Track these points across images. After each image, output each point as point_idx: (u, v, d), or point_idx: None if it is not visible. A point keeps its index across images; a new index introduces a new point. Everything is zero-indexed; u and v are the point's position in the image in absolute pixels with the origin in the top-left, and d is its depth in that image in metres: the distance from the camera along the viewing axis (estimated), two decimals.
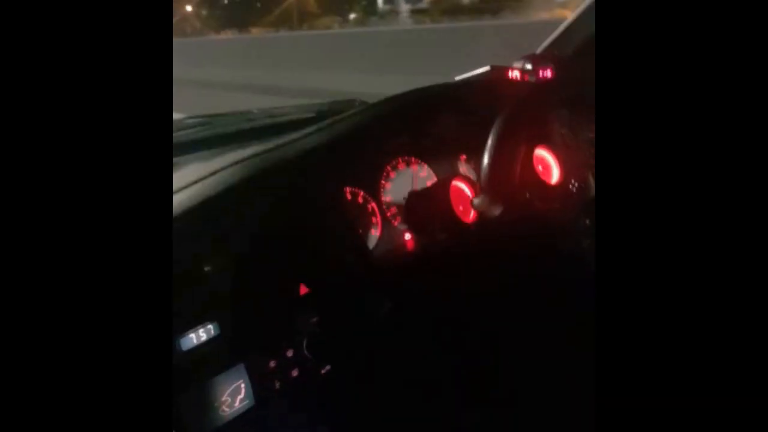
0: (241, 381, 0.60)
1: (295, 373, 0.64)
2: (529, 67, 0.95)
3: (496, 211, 0.58)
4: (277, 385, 0.63)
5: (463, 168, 0.87)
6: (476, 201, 0.60)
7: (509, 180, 0.67)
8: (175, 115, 0.95)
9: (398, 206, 0.79)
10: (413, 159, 0.83)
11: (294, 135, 0.78)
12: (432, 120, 0.85)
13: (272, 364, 0.62)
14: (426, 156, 0.84)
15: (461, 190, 0.82)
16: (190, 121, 0.97)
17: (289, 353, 0.64)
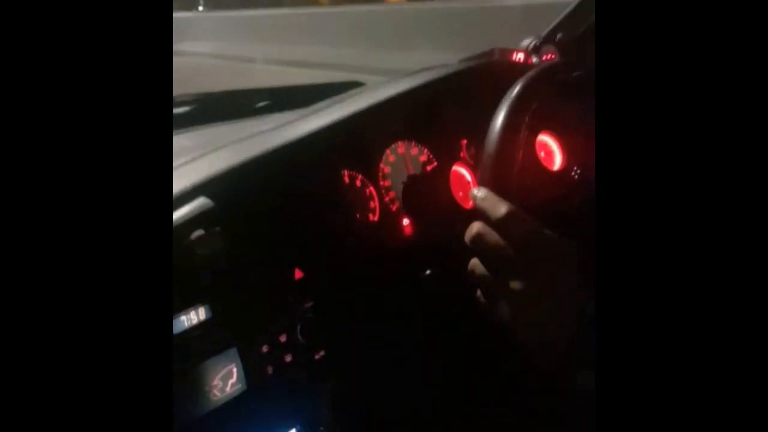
0: (233, 365, 0.59)
1: (288, 358, 0.63)
2: (533, 49, 0.93)
3: (502, 210, 0.57)
4: (270, 369, 0.62)
5: (464, 153, 0.86)
6: (479, 195, 0.59)
7: (510, 167, 0.66)
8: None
9: (397, 191, 0.78)
10: (413, 143, 0.81)
11: (292, 116, 0.77)
12: (433, 103, 0.83)
13: (265, 348, 0.61)
14: (426, 140, 0.82)
15: (462, 176, 0.81)
16: (186, 98, 0.95)
17: (283, 338, 0.63)
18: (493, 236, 0.51)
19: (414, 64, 0.86)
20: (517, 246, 0.50)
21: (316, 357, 0.66)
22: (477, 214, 0.55)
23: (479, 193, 0.55)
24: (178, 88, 0.97)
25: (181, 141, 0.75)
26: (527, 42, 0.93)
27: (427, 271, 0.67)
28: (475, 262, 0.54)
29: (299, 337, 0.64)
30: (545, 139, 0.85)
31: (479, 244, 0.52)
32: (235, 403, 0.59)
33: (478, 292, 0.55)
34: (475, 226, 0.53)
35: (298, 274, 0.65)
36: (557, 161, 0.85)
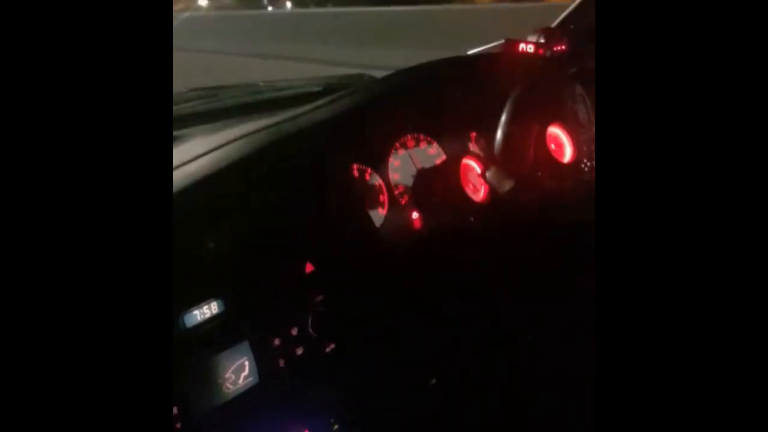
0: (245, 358, 0.59)
1: (299, 351, 0.64)
2: (543, 41, 0.92)
3: (507, 185, 0.57)
4: (282, 362, 0.62)
5: (474, 146, 0.85)
6: (488, 174, 0.59)
7: (522, 158, 0.66)
8: (178, 87, 0.94)
9: (406, 185, 0.78)
10: (422, 136, 0.81)
11: (300, 109, 0.77)
12: (442, 96, 0.83)
13: (277, 341, 0.62)
14: (435, 133, 0.82)
15: (471, 169, 0.80)
16: (194, 93, 0.95)
17: (294, 331, 0.63)
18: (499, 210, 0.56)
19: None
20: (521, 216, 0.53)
21: (327, 350, 0.66)
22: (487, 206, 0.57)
23: (488, 172, 0.62)
24: (185, 83, 0.97)
25: (190, 136, 0.75)
26: (537, 33, 0.92)
27: None
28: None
29: (310, 330, 0.64)
30: (556, 131, 0.84)
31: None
32: (247, 395, 0.60)
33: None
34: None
35: (309, 267, 0.65)
36: (567, 153, 0.85)
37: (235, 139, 0.70)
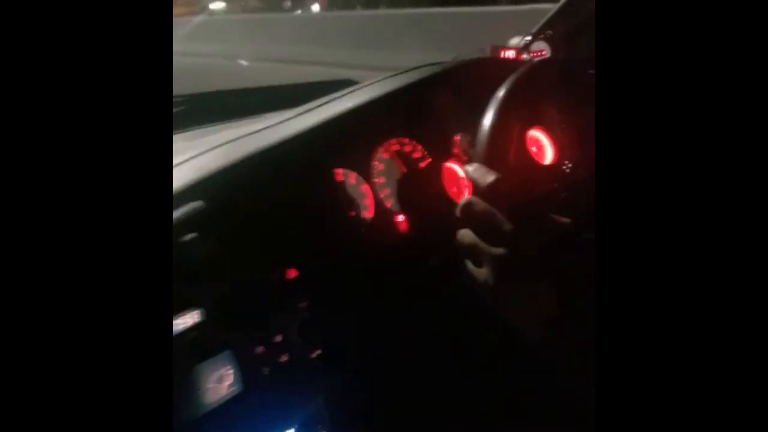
0: (229, 367, 0.58)
1: (284, 358, 0.63)
2: (523, 46, 0.93)
3: (491, 178, 0.57)
4: (266, 370, 0.61)
5: (457, 149, 0.86)
6: (471, 169, 0.60)
7: (503, 159, 0.66)
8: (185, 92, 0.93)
9: (391, 188, 0.78)
10: (406, 140, 0.81)
11: (284, 115, 0.77)
12: (425, 100, 0.83)
13: (261, 349, 0.61)
14: (419, 137, 0.82)
15: (454, 171, 0.81)
16: (177, 98, 0.95)
17: (278, 338, 0.62)
18: (481, 204, 0.55)
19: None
20: (502, 211, 0.53)
21: (313, 356, 0.65)
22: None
23: (470, 167, 0.59)
24: (195, 89, 0.97)
25: (173, 142, 0.74)
26: (518, 39, 0.94)
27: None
28: (464, 232, 0.57)
29: (295, 336, 0.63)
30: (536, 134, 0.85)
31: (468, 212, 0.56)
32: (231, 404, 0.59)
33: (467, 264, 0.57)
34: (466, 198, 0.57)
35: (294, 273, 0.64)
36: (548, 156, 0.85)
37: (218, 146, 0.69)
